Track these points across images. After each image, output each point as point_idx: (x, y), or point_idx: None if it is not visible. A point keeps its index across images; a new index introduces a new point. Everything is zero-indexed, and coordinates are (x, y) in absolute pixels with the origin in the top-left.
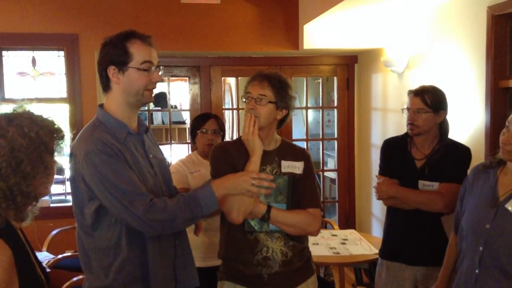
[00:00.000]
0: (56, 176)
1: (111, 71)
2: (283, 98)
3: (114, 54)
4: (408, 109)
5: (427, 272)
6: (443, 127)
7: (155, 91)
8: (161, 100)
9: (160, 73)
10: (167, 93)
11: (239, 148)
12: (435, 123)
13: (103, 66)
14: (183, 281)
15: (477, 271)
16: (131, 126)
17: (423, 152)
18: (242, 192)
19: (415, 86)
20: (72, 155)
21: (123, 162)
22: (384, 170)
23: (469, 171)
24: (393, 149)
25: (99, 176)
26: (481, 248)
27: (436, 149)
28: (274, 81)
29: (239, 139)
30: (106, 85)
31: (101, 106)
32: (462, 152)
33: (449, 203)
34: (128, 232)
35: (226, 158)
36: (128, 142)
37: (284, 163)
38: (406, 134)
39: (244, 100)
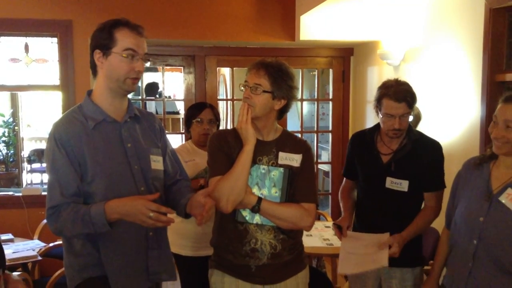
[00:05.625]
0: None
1: (96, 55)
2: (280, 88)
3: (100, 37)
4: (389, 115)
5: (390, 271)
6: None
7: (147, 81)
8: (153, 89)
9: (147, 64)
10: (158, 83)
11: (237, 136)
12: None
13: (91, 49)
14: (156, 273)
15: (470, 264)
16: (112, 113)
17: (390, 147)
18: (136, 221)
19: (411, 79)
20: None
21: (64, 157)
22: (347, 169)
23: (460, 166)
24: (359, 144)
25: (46, 158)
26: (475, 242)
27: (404, 143)
28: (272, 70)
29: None
30: (94, 70)
31: (90, 91)
32: (430, 149)
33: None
34: None
35: (222, 146)
36: (101, 129)
37: (281, 155)
38: (374, 128)
39: (241, 89)
